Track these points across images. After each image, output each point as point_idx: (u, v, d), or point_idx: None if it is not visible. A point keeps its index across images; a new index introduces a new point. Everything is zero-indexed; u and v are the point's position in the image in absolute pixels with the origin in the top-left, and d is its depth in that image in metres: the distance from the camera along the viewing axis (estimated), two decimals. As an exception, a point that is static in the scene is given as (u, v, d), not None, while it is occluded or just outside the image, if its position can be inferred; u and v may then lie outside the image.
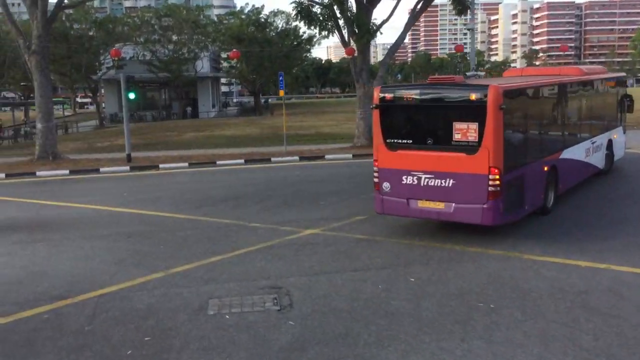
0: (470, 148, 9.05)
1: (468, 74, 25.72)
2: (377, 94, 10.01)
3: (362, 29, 21.05)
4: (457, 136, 9.25)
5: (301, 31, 55.03)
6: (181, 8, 52.33)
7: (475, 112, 9.00)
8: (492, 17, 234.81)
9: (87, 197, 14.56)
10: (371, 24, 21.73)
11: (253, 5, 54.30)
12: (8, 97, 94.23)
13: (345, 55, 21.34)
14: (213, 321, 6.63)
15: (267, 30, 53.99)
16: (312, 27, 21.52)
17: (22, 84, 76.61)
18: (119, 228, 11.12)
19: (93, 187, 16.36)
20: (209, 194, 14.54)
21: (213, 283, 7.95)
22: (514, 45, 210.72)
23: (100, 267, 8.83)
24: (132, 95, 20.34)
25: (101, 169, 19.47)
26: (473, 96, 9.03)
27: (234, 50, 22.43)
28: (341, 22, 21.90)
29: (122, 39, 51.65)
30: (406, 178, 9.71)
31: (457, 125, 9.23)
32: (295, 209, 12.37)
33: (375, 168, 10.11)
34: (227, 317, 6.74)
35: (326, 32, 21.70)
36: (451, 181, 9.32)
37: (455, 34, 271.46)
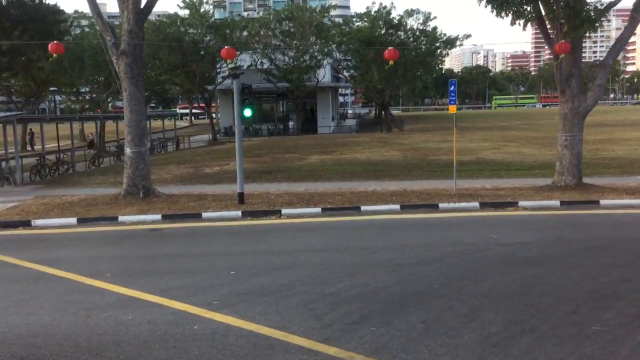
0: None
1: None
2: None
3: (579, 16, 14.62)
4: None
5: (440, 32, 48.65)
6: (304, 10, 47.98)
7: None
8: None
9: (172, 276, 9.42)
10: (588, 7, 15.22)
11: (380, 4, 48.39)
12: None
13: (557, 54, 14.92)
14: None
15: (401, 32, 48.17)
16: (503, 15, 15.42)
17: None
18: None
19: (187, 252, 11.25)
20: (367, 281, 8.88)
21: None
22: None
23: None
24: (248, 112, 15.33)
25: (204, 214, 14.53)
26: None
27: (390, 48, 16.76)
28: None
29: (240, 46, 48.26)
30: None
31: None
32: (559, 346, 6.35)
33: None
34: None
35: (522, 21, 15.51)
36: None
37: (585, 41, 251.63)
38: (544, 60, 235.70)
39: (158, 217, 14.39)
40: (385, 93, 50.92)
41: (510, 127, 49.80)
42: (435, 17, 48.62)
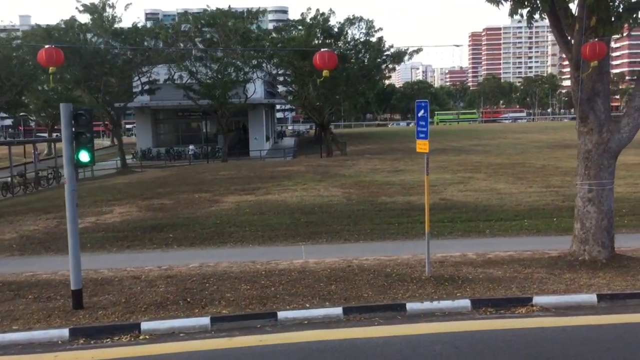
0: None
1: None
2: None
3: (608, 10, 9.54)
4: None
5: (384, 43, 43.72)
6: (228, 16, 42.16)
7: None
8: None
9: None
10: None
11: (317, 10, 42.98)
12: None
13: (588, 60, 9.69)
14: None
15: (341, 43, 42.90)
16: (500, 3, 10.26)
17: (42, 114, 69.07)
18: None
19: None
20: None
21: None
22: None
23: None
24: (85, 156, 9.29)
25: (1, 337, 8.45)
26: None
27: (324, 50, 11.19)
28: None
29: (153, 57, 42.16)
30: None
31: None
32: None
33: None
34: None
35: (526, 12, 10.34)
36: None
37: (520, 57, 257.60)
38: (481, 75, 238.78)
39: None
40: (325, 111, 45.47)
41: (464, 149, 45.36)
42: (381, 29, 43.59)
